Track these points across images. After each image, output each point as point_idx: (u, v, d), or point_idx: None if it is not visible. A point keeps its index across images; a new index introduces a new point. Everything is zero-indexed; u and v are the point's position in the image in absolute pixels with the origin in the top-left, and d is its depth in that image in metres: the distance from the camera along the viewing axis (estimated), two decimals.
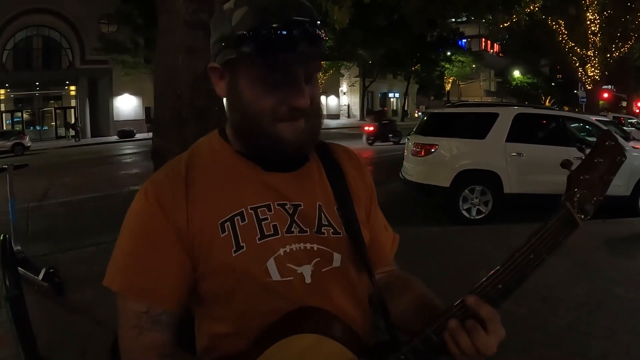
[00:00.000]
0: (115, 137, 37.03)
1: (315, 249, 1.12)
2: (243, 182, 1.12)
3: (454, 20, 48.87)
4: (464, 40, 64.08)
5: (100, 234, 8.10)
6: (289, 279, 1.07)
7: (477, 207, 8.88)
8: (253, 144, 1.12)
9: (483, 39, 68.43)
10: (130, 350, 1.08)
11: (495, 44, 65.26)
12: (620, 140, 8.28)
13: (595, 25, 26.05)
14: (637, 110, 46.37)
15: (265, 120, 1.07)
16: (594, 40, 26.44)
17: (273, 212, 1.11)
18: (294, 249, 1.10)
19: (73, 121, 38.51)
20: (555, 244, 1.03)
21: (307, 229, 1.13)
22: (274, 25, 1.00)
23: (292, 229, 1.11)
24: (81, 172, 17.80)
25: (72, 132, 38.27)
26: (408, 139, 10.22)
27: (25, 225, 8.44)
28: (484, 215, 8.84)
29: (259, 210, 1.10)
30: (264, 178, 1.13)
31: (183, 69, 4.13)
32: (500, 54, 61.42)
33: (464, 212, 8.86)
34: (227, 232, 1.07)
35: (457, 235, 7.86)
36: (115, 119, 39.38)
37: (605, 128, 9.48)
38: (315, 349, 1.03)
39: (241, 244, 1.06)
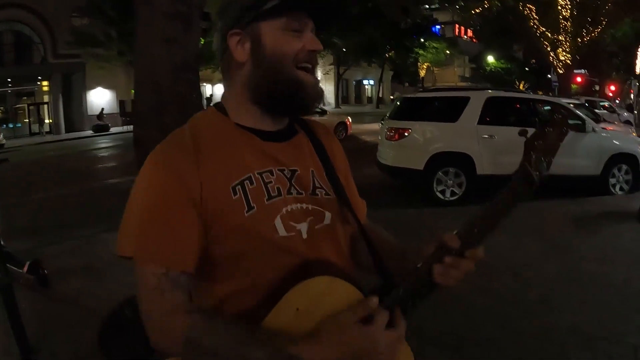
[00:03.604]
0: (90, 132, 36.50)
1: (310, 208, 1.27)
2: (246, 150, 1.24)
3: (427, 6, 48.95)
4: (438, 27, 64.01)
5: (81, 227, 8.14)
6: (291, 234, 1.22)
7: (451, 188, 9.10)
8: (278, 93, 1.25)
9: (457, 25, 68.18)
10: (154, 311, 1.14)
11: (469, 30, 65.09)
12: (585, 118, 8.50)
13: (567, 10, 26.30)
14: (610, 94, 46.98)
15: (287, 65, 1.23)
16: (565, 25, 26.70)
17: (275, 176, 1.25)
18: (294, 208, 1.24)
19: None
20: (519, 197, 1.19)
21: (303, 192, 1.28)
22: None
23: (291, 191, 1.26)
24: (58, 167, 17.69)
25: (46, 129, 37.67)
26: (382, 124, 10.34)
27: (7, 220, 8.44)
28: (457, 196, 9.06)
29: (264, 174, 1.23)
30: (262, 147, 1.27)
31: (162, 59, 4.17)
32: (474, 40, 61.37)
33: (438, 194, 9.07)
34: (238, 195, 1.19)
35: (432, 216, 7.97)
36: (89, 113, 38.63)
37: (577, 112, 9.76)
38: (331, 288, 1.16)
39: (252, 205, 1.19)
